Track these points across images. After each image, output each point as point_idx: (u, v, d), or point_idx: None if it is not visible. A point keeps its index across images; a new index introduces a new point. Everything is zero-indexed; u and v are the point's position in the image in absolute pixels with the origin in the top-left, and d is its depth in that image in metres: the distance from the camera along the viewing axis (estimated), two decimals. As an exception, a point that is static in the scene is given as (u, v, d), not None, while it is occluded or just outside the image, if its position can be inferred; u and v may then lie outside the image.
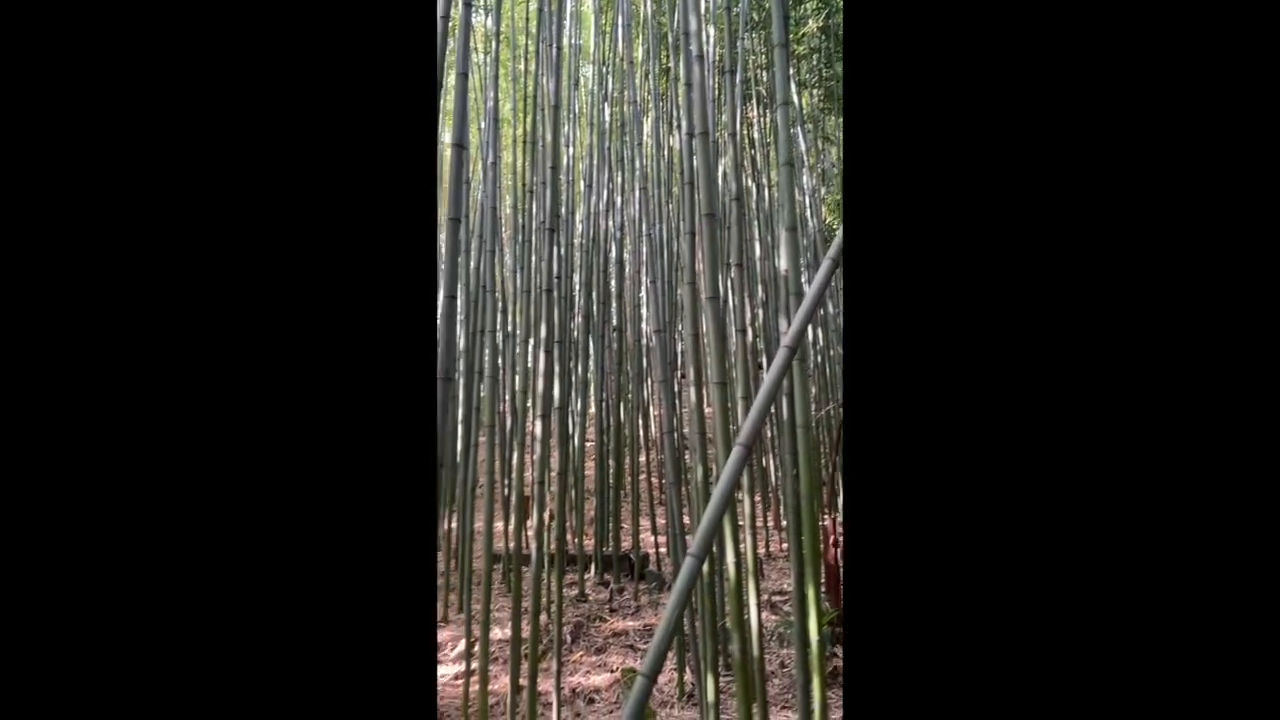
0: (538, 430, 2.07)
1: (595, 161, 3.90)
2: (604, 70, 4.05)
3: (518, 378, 3.75)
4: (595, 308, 3.66)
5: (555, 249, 2.18)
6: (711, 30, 3.48)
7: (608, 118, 3.95)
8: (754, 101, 4.51)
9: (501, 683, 2.39)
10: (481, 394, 3.55)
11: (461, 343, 3.25)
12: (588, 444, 4.07)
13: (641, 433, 3.84)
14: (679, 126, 2.66)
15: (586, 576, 3.47)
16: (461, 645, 2.64)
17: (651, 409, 5.01)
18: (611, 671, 2.53)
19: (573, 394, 3.53)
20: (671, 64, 3.85)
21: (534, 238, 3.01)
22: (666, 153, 3.69)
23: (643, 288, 4.21)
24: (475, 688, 2.28)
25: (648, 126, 3.86)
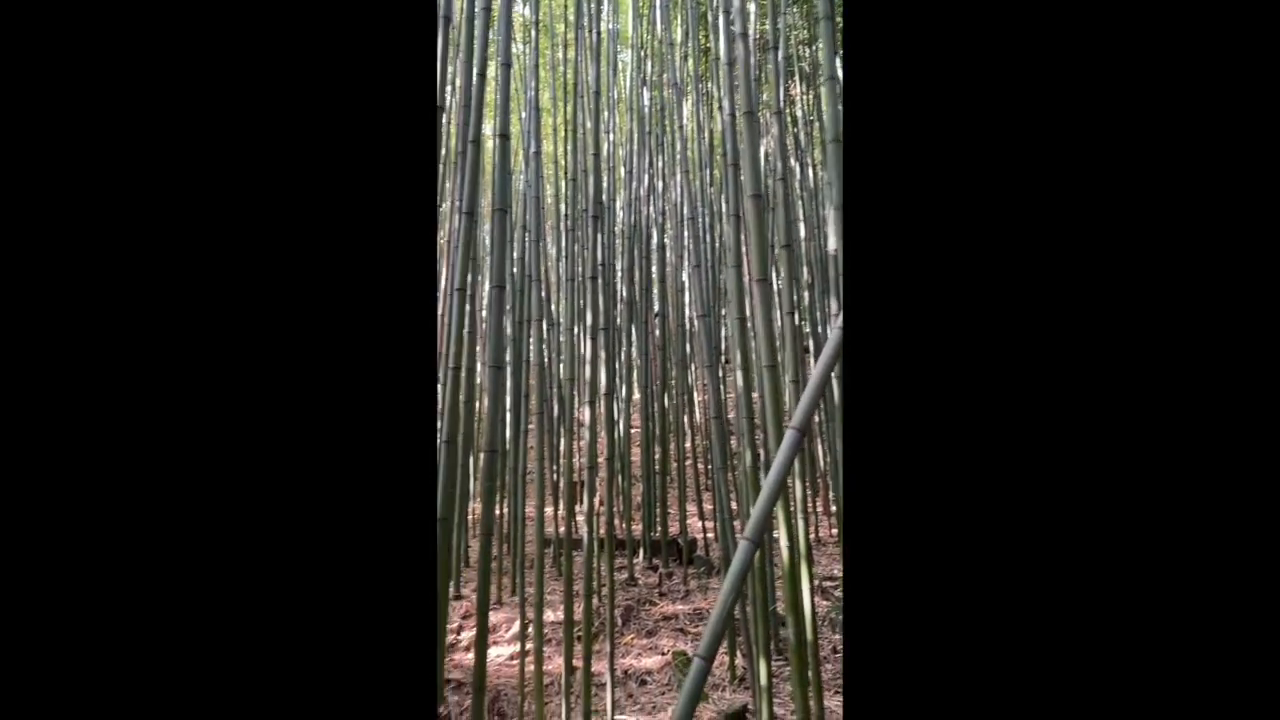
0: (585, 416, 2.09)
1: (635, 147, 3.88)
2: (642, 54, 4.01)
3: (564, 365, 3.79)
4: (638, 294, 3.66)
5: (600, 235, 2.18)
6: (752, 6, 3.41)
7: (647, 102, 3.92)
8: (796, 78, 4.40)
9: (555, 663, 2.44)
10: (530, 382, 3.61)
11: (508, 331, 3.30)
12: (633, 430, 4.10)
13: (686, 419, 3.84)
14: (720, 107, 2.62)
15: (635, 561, 3.50)
16: (516, 626, 2.70)
17: (695, 394, 5.00)
18: (663, 654, 2.56)
19: (617, 381, 3.55)
20: (711, 43, 3.78)
21: (578, 225, 3.02)
22: (707, 135, 3.64)
23: (684, 273, 4.19)
24: (530, 668, 2.34)
25: (688, 109, 3.81)
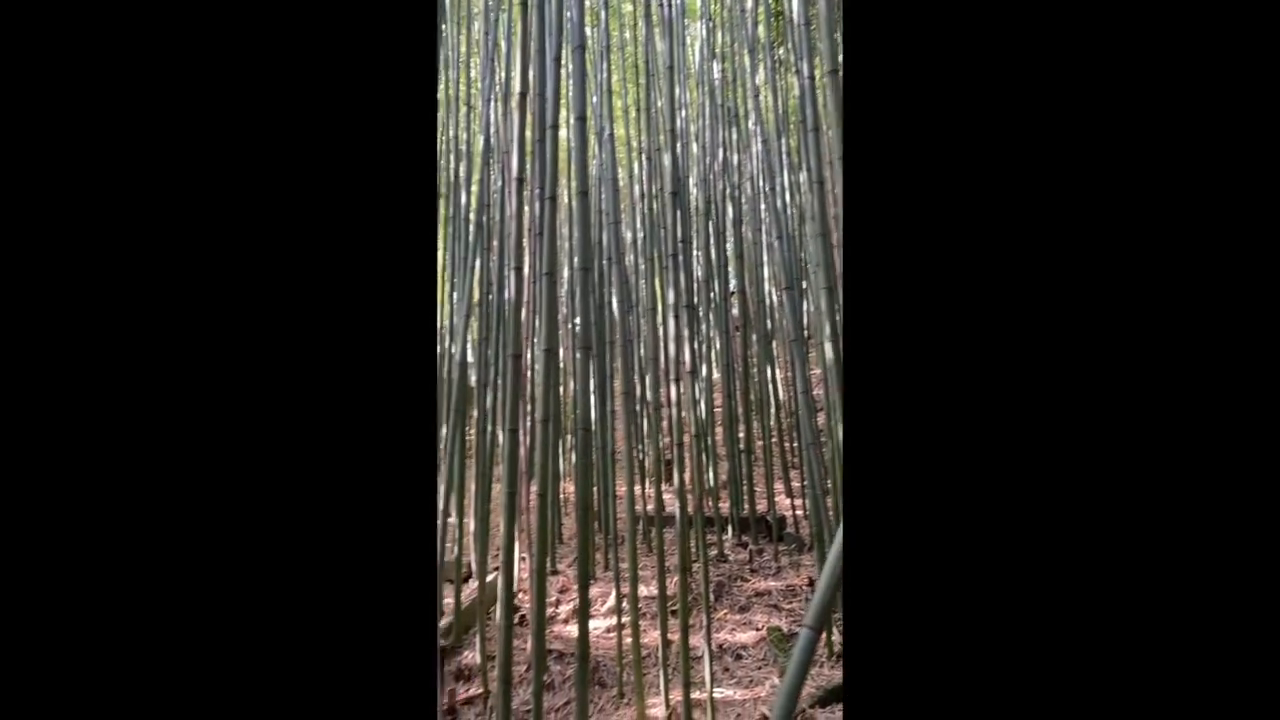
0: (672, 395, 2.10)
1: (708, 121, 3.82)
2: (710, 25, 3.92)
3: (644, 345, 3.82)
4: (716, 271, 3.62)
5: (679, 213, 2.17)
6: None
7: (717, 75, 3.84)
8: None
9: (650, 637, 2.50)
10: (614, 363, 3.66)
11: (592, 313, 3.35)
12: (716, 410, 4.08)
13: (771, 395, 3.78)
14: (797, 71, 2.53)
15: (725, 538, 3.51)
16: (610, 601, 2.78)
17: (777, 370, 4.92)
18: (757, 630, 2.56)
19: (699, 360, 3.55)
20: (784, 6, 3.65)
21: (654, 204, 3.01)
22: (782, 103, 3.53)
23: (764, 248, 4.10)
24: (627, 640, 2.40)
25: (761, 77, 3.71)
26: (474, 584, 2.73)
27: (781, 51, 3.90)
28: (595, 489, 3.26)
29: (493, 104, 2.74)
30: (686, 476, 2.21)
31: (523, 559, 2.93)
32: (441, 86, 3.24)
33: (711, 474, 3.48)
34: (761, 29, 3.45)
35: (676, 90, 4.01)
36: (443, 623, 2.54)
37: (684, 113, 4.09)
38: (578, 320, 1.67)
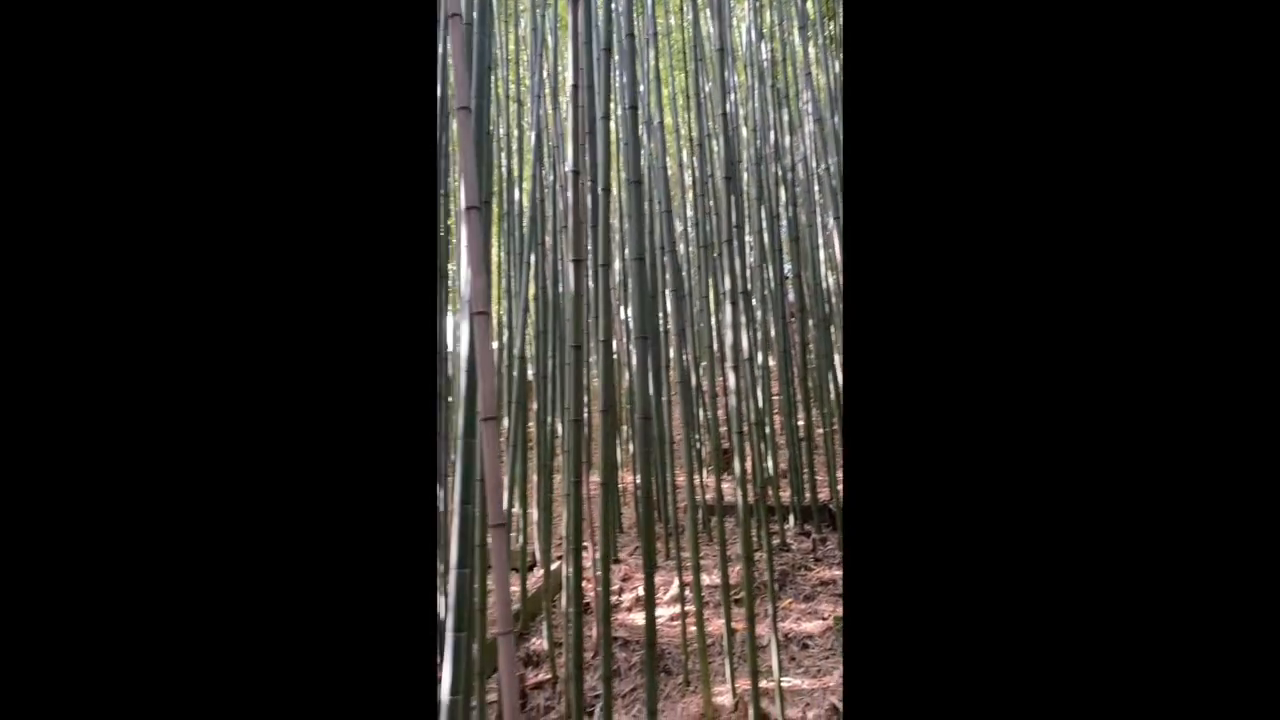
0: (731, 382, 2.08)
1: (757, 104, 3.75)
2: (758, 5, 3.84)
3: (700, 333, 3.80)
4: (770, 257, 3.56)
5: (732, 198, 2.14)
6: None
7: (766, 55, 3.76)
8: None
9: (714, 625, 2.49)
10: (669, 352, 3.66)
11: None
12: (774, 397, 4.03)
13: (830, 382, 3.70)
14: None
15: (786, 526, 3.47)
16: (672, 589, 2.79)
17: (836, 356, 4.80)
18: (823, 619, 2.52)
19: (755, 346, 3.50)
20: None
21: (706, 191, 2.98)
22: (834, 81, 3.43)
23: (819, 231, 4.00)
24: (691, 628, 2.41)
25: (813, 54, 3.61)
26: (539, 572, 2.79)
27: (833, 27, 3.78)
28: (654, 479, 3.27)
29: (542, 99, 2.76)
30: (748, 465, 2.19)
31: (584, 548, 2.97)
32: (491, 84, 3.29)
33: (771, 462, 3.44)
34: (810, 4, 3.35)
35: (725, 73, 3.95)
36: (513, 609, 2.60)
37: (732, 96, 4.03)
38: (631, 310, 1.67)
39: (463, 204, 1.00)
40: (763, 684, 2.01)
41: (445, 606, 2.03)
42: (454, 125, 2.24)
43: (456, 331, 1.47)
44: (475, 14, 1.36)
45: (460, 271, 1.40)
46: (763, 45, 3.74)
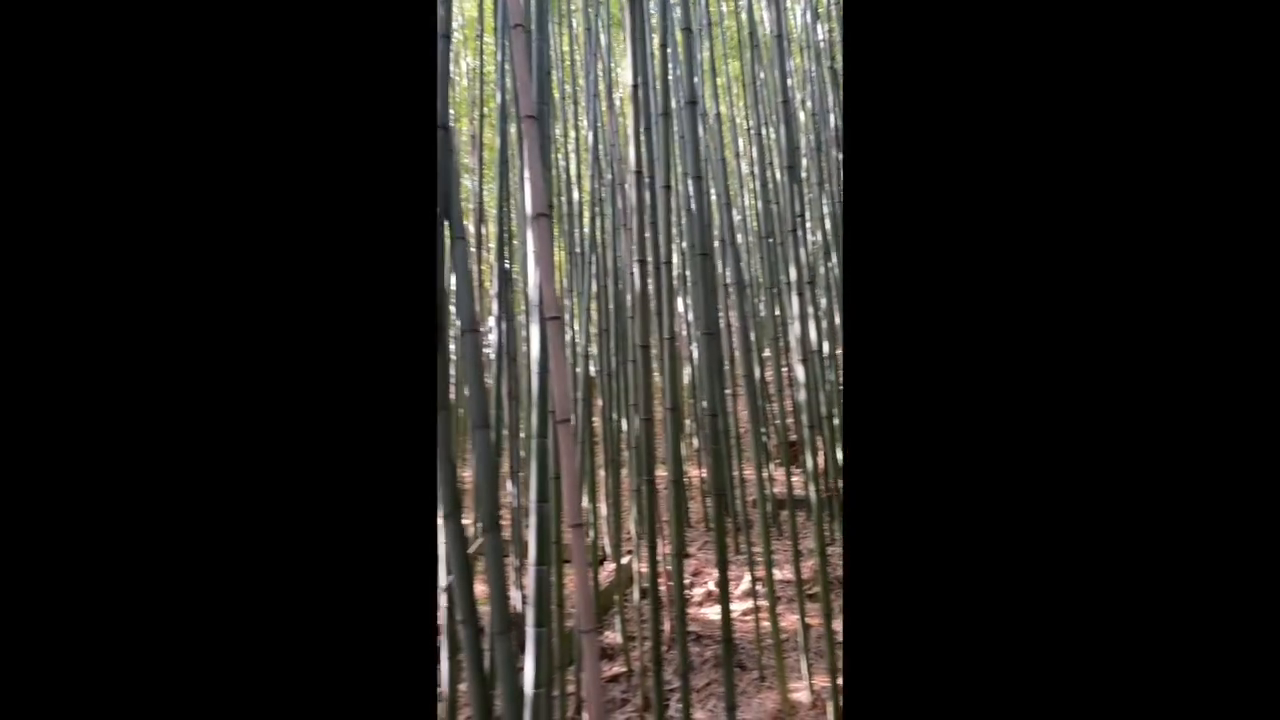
0: (800, 375, 2.05)
1: (815, 88, 3.65)
2: (814, -15, 3.73)
3: (763, 326, 3.74)
4: (834, 245, 3.47)
5: (794, 187, 2.10)
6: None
7: (822, 37, 3.66)
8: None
9: (787, 620, 2.47)
10: (733, 346, 3.63)
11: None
12: (841, 389, 3.93)
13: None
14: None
15: (857, 520, 3.39)
16: (744, 584, 2.78)
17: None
18: (900, 615, 2.45)
19: (821, 337, 3.43)
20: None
21: (766, 182, 2.94)
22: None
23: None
24: (764, 623, 2.39)
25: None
26: (609, 567, 2.83)
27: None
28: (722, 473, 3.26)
29: (598, 99, 2.78)
30: (819, 459, 2.15)
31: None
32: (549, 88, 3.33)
33: (839, 455, 3.36)
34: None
35: (784, 59, 3.86)
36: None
37: (790, 81, 3.94)
38: (690, 305, 1.67)
39: (528, 210, 1.02)
40: (840, 681, 1.98)
41: (524, 601, 2.08)
42: (511, 131, 2.28)
43: (526, 334, 1.50)
44: (534, 21, 1.38)
45: (528, 275, 1.44)
46: (818, 26, 3.64)
